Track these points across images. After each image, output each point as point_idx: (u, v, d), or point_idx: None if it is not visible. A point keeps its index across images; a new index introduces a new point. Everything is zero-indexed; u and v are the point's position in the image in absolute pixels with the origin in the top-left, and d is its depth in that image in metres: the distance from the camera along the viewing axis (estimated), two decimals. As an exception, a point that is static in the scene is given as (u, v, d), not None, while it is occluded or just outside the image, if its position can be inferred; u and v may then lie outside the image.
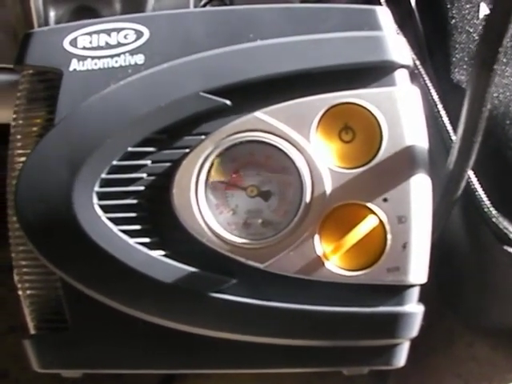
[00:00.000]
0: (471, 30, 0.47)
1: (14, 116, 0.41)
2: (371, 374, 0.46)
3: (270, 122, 0.39)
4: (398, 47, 0.39)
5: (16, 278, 0.41)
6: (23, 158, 0.40)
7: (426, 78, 0.45)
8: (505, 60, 0.46)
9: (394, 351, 0.40)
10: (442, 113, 0.45)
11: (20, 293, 0.41)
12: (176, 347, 0.40)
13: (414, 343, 0.41)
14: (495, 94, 0.45)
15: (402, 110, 0.39)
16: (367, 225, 0.38)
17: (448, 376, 0.49)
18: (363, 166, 0.39)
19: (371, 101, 0.39)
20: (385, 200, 0.38)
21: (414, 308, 0.39)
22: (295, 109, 0.39)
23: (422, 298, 0.40)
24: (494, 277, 0.46)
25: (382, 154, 0.39)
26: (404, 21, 0.47)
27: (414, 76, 0.44)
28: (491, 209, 0.43)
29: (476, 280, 0.47)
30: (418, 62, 0.46)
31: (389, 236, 0.38)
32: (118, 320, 0.40)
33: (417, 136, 0.39)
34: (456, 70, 0.46)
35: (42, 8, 0.45)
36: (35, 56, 0.41)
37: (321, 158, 0.39)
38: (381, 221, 0.38)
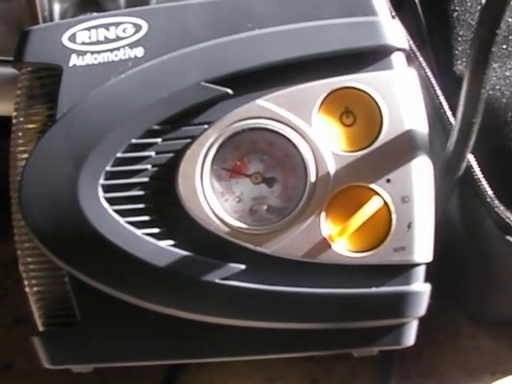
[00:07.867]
0: (473, 23, 0.47)
1: (15, 113, 0.41)
2: (375, 365, 0.47)
3: (271, 108, 0.39)
4: (393, 31, 0.40)
5: (23, 274, 0.41)
6: (25, 155, 0.41)
7: (427, 68, 0.45)
8: (506, 52, 0.46)
9: (402, 331, 0.40)
10: (443, 100, 0.45)
11: (27, 289, 0.41)
12: (186, 337, 0.40)
13: (418, 334, 0.41)
14: (497, 87, 0.45)
15: (400, 92, 0.39)
16: (372, 206, 0.38)
17: (451, 367, 0.49)
18: (366, 148, 0.39)
19: (370, 84, 0.39)
20: (388, 181, 0.39)
21: (420, 287, 0.40)
22: (296, 95, 0.39)
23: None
24: (496, 267, 0.46)
25: (384, 135, 0.39)
26: (405, 11, 0.48)
27: (415, 66, 0.44)
28: (494, 199, 0.43)
29: (478, 271, 0.47)
30: (418, 54, 0.46)
31: (393, 216, 0.39)
32: (128, 312, 0.40)
33: (416, 116, 0.39)
34: (458, 62, 0.46)
35: (47, 1, 0.45)
36: (34, 53, 0.41)
37: (323, 143, 0.39)
38: (385, 201, 0.39)
